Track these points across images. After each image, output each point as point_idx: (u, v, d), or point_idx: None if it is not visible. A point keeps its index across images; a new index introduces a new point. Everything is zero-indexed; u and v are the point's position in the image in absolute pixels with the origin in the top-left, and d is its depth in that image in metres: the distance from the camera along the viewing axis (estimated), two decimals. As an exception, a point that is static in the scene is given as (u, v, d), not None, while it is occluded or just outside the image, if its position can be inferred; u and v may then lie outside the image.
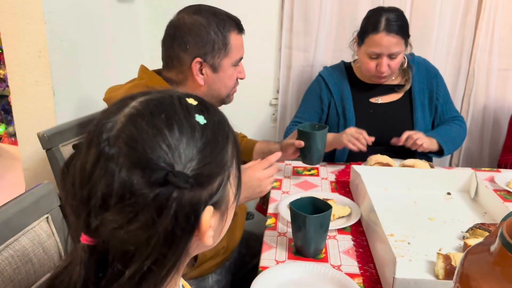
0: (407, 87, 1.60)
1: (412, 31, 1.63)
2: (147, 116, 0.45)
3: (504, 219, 0.60)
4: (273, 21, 1.98)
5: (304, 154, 1.33)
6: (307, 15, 1.91)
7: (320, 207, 0.96)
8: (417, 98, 1.59)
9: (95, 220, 0.42)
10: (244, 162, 1.43)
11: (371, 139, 1.39)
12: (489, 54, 1.88)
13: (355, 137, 1.38)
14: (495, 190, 1.25)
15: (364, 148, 1.38)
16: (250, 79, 2.03)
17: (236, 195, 0.54)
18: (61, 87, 1.32)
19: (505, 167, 1.59)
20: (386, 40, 1.44)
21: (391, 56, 1.47)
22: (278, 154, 1.05)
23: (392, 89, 1.60)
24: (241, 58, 1.14)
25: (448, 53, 1.92)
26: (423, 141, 1.42)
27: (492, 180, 1.35)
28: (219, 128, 0.50)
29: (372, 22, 1.48)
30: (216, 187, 0.47)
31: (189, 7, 1.10)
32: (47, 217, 0.81)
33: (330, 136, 1.41)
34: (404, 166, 1.36)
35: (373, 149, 1.46)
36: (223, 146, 0.49)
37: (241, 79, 1.18)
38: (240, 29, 1.11)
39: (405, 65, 1.61)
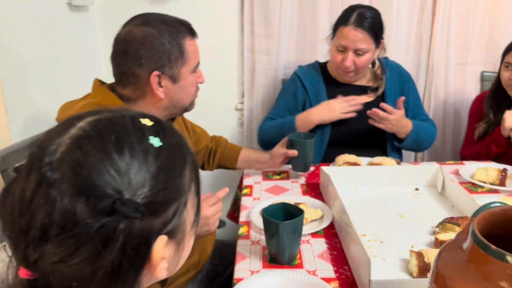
0: (380, 91, 1.62)
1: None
2: (94, 138, 0.41)
3: (474, 215, 0.60)
4: (234, 25, 1.96)
5: (297, 163, 1.35)
6: (268, 17, 1.90)
7: (292, 213, 0.95)
8: (389, 100, 1.60)
9: (34, 253, 0.38)
10: (226, 168, 1.41)
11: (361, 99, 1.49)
12: (447, 48, 1.94)
13: (344, 106, 1.46)
14: (461, 183, 1.28)
15: (359, 106, 1.48)
16: (214, 84, 2.02)
17: (194, 222, 0.51)
18: (14, 104, 1.25)
19: (465, 159, 1.63)
20: (353, 34, 1.46)
21: (357, 52, 1.49)
22: (226, 190, 0.99)
23: (366, 90, 1.63)
24: (198, 63, 1.10)
25: (407, 50, 1.97)
26: (391, 127, 1.49)
27: (457, 173, 1.39)
28: (176, 150, 0.47)
29: (344, 15, 1.51)
30: (171, 215, 0.44)
31: (135, 18, 1.02)
32: (4, 245, 0.76)
33: (309, 117, 1.49)
34: (372, 164, 1.37)
35: (345, 149, 1.47)
36: (180, 170, 0.46)
37: (201, 83, 1.14)
38: (192, 33, 1.07)
39: (377, 67, 1.63)
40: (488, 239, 0.49)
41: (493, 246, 0.48)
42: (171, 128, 0.48)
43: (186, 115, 1.41)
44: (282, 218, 0.93)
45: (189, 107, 1.13)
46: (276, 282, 0.85)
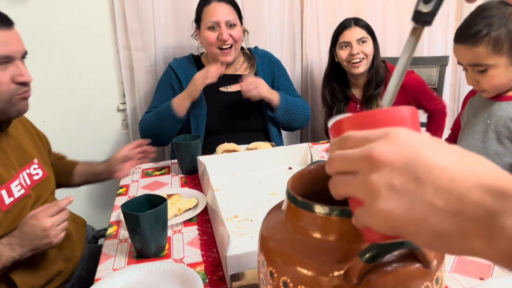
0: (252, 72, 1.68)
1: (246, 24, 1.70)
2: None
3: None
4: (105, 21, 1.86)
5: (184, 166, 1.36)
6: (140, 14, 1.84)
7: (156, 203, 0.92)
8: None
9: None
10: (64, 185, 1.30)
11: (218, 67, 1.50)
12: (317, 39, 2.07)
13: (203, 74, 1.48)
14: (329, 158, 1.36)
15: (219, 71, 1.50)
16: (92, 85, 1.91)
17: None
18: None
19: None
20: (219, 6, 1.53)
21: (229, 25, 1.55)
22: (71, 199, 0.92)
23: (238, 79, 1.65)
24: (5, 57, 0.91)
25: (282, 41, 2.05)
26: (263, 89, 1.54)
27: (328, 150, 1.48)
28: None
29: (203, 0, 1.58)
30: None
31: None
32: None
33: (183, 95, 1.52)
34: (248, 150, 1.40)
35: (226, 137, 1.49)
36: None
37: (22, 82, 0.95)
38: None
39: (247, 52, 1.71)
40: (304, 198, 0.51)
41: (300, 198, 0.50)
42: None
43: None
44: (146, 210, 0.89)
45: (8, 109, 0.95)
46: (138, 275, 0.82)
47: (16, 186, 0.98)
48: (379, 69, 1.73)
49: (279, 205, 0.58)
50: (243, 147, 1.45)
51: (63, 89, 1.87)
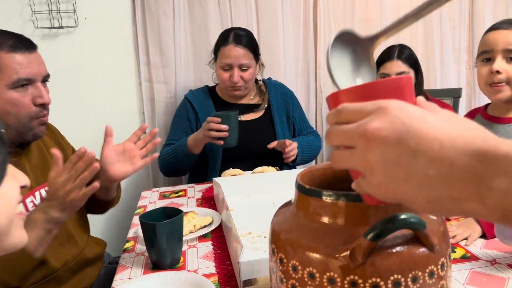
0: (265, 105, 1.74)
1: (263, 58, 1.78)
2: None
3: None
4: (128, 56, 1.98)
5: (228, 137, 1.45)
6: (162, 48, 1.95)
7: (172, 216, 0.95)
8: (276, 115, 1.73)
9: None
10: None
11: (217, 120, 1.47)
12: (331, 72, 2.13)
13: (209, 128, 1.46)
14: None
15: (223, 134, 1.46)
16: (114, 116, 1.99)
17: None
18: None
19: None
20: (235, 51, 1.58)
21: (242, 68, 1.60)
22: (86, 149, 0.88)
23: (252, 108, 1.72)
24: (21, 79, 0.94)
25: (297, 75, 2.13)
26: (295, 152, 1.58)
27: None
28: None
29: (222, 36, 1.64)
30: None
31: None
32: None
33: (198, 137, 1.51)
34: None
35: (240, 166, 1.52)
36: None
37: (42, 103, 0.98)
38: (18, 46, 0.95)
39: (261, 85, 1.76)
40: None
41: (308, 186, 0.53)
42: None
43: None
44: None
45: (24, 133, 0.98)
46: (154, 285, 0.83)
47: (30, 202, 1.02)
48: None
49: (288, 202, 0.60)
50: (248, 173, 1.48)
51: (87, 119, 1.97)
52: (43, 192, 1.06)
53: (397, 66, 1.65)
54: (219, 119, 1.44)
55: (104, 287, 1.16)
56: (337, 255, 0.46)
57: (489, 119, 1.14)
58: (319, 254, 0.47)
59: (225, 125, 1.44)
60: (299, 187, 0.54)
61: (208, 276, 0.86)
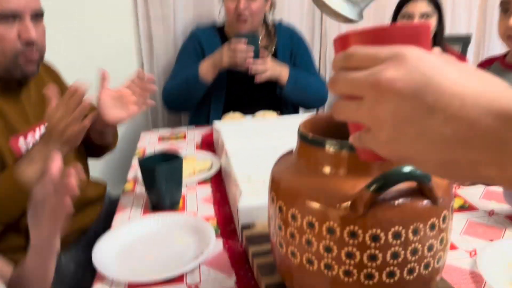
0: (272, 48, 1.67)
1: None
2: None
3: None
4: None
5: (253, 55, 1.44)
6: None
7: (171, 160, 0.94)
8: (281, 58, 1.66)
9: None
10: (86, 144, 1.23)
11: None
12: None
13: (233, 53, 1.41)
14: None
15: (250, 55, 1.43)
16: (110, 56, 1.93)
17: None
18: None
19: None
20: None
21: None
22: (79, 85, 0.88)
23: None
24: (5, 11, 0.88)
25: (301, 16, 2.03)
26: (273, 69, 1.51)
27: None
28: None
29: None
30: None
31: None
32: None
33: (209, 65, 1.47)
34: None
35: (241, 106, 1.49)
36: None
37: (27, 40, 0.92)
38: None
39: (271, 27, 1.69)
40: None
41: (311, 134, 0.51)
42: None
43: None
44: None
45: (12, 70, 0.94)
46: (153, 226, 0.84)
47: (30, 138, 1.00)
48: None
49: (289, 151, 0.59)
50: (249, 117, 1.46)
51: (81, 58, 1.90)
52: (43, 128, 1.05)
53: (421, 6, 1.55)
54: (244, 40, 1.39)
55: (104, 227, 1.18)
56: (337, 205, 0.45)
57: (510, 67, 1.10)
58: (320, 204, 0.47)
59: (252, 46, 1.39)
60: (301, 136, 0.53)
61: (207, 218, 0.87)
